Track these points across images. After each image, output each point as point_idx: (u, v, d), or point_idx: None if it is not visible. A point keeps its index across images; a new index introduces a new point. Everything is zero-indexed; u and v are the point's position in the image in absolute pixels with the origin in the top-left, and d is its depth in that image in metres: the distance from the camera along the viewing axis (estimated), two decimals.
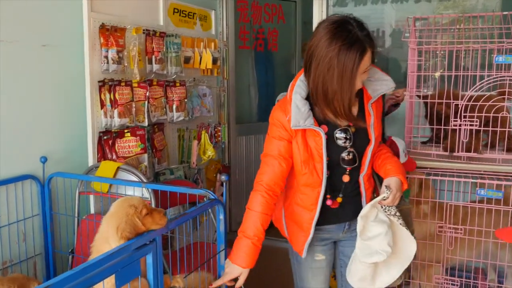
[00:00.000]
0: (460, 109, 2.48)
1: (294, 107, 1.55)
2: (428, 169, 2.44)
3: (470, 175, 2.47)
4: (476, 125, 2.45)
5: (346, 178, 1.65)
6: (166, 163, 2.84)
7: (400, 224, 1.61)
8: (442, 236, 2.38)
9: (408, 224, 1.68)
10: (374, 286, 1.64)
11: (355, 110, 1.64)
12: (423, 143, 2.93)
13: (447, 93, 2.52)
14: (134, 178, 2.28)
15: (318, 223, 1.68)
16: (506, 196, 2.34)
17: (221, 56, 3.44)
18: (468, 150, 2.54)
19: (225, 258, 1.86)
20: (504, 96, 2.50)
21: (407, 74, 2.65)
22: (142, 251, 1.36)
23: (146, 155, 2.53)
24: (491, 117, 2.50)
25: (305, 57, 1.55)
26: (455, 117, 2.47)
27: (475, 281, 2.62)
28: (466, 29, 2.62)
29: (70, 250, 2.32)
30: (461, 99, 2.46)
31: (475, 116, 2.42)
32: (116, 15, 2.47)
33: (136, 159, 2.48)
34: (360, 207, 1.65)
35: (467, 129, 2.46)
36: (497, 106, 2.50)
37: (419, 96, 2.66)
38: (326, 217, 1.69)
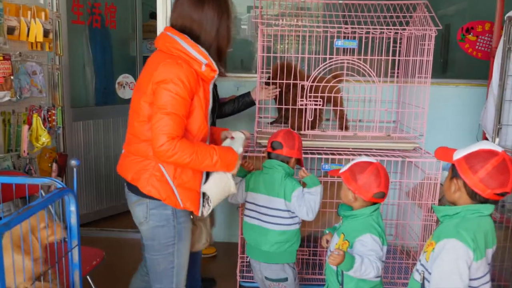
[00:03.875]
0: (305, 89, 2.63)
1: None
2: None
3: (316, 151, 2.65)
4: (320, 105, 2.64)
5: None
6: None
7: None
8: None
9: None
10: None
11: None
12: (271, 123, 3.04)
13: (285, 66, 2.64)
14: None
15: None
16: None
17: (54, 29, 3.00)
18: (312, 127, 2.72)
19: (79, 256, 1.63)
20: (342, 78, 2.73)
21: (257, 56, 2.70)
22: None
23: None
24: (332, 98, 2.72)
25: (195, 26, 1.77)
26: (301, 97, 2.62)
27: (321, 249, 2.83)
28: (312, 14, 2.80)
29: None
30: (307, 80, 2.62)
31: (319, 96, 2.60)
32: None
33: None
34: None
35: (312, 108, 2.63)
36: (334, 88, 2.73)
37: (267, 83, 2.72)
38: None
